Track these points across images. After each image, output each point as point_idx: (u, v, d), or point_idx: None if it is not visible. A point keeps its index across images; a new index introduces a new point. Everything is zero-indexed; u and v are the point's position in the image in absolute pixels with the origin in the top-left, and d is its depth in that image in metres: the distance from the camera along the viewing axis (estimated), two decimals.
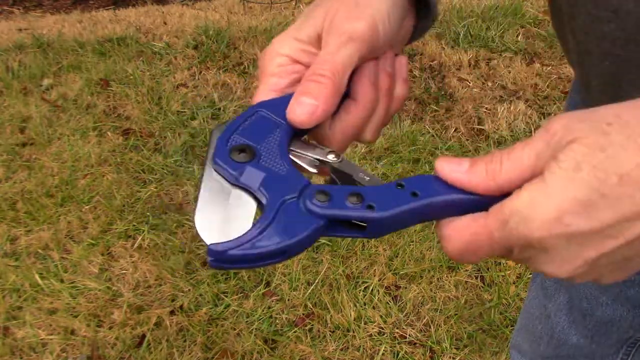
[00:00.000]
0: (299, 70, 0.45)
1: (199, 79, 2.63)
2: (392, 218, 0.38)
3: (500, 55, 2.77)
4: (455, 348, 1.59)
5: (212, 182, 0.41)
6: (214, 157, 0.41)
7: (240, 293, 1.72)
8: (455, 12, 3.01)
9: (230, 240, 0.37)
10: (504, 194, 0.37)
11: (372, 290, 1.71)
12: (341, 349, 1.58)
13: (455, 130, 2.35)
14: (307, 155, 0.44)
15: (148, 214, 1.95)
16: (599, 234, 0.33)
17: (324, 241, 1.84)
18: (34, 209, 1.97)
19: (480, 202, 0.38)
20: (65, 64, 2.71)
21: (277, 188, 0.39)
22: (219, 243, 0.37)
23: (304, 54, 0.45)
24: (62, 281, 1.74)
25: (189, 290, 1.72)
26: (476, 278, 1.76)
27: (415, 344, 1.60)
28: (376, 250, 1.82)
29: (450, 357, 1.57)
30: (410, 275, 1.75)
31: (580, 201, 0.32)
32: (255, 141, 0.42)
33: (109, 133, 2.33)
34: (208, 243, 0.37)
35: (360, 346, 1.58)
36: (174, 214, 1.95)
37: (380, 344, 1.59)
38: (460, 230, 0.38)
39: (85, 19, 3.22)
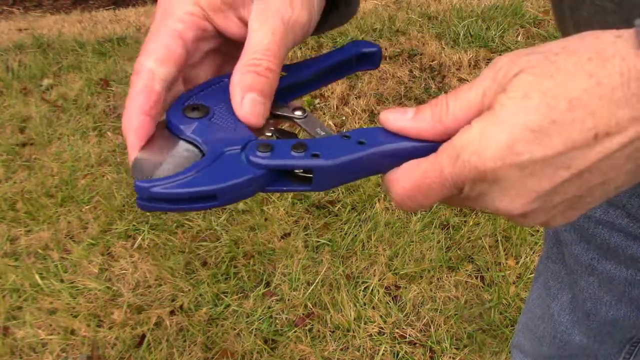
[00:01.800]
0: (206, 29, 0.42)
1: None
2: (338, 166, 0.37)
3: (500, 55, 2.77)
4: (455, 348, 1.59)
5: (160, 134, 0.40)
6: (167, 112, 0.41)
7: (240, 293, 1.72)
8: (455, 12, 3.01)
9: (158, 179, 0.36)
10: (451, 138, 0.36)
11: (372, 290, 1.71)
12: (341, 349, 1.58)
13: None
14: (275, 113, 0.43)
15: (148, 214, 1.95)
16: (552, 164, 0.33)
17: (323, 241, 1.84)
18: (34, 209, 1.97)
19: (430, 149, 0.37)
20: (65, 64, 2.71)
21: (220, 141, 0.38)
22: (146, 180, 0.36)
23: (221, 16, 0.42)
24: (62, 281, 1.74)
25: (189, 290, 1.71)
26: (476, 278, 1.76)
27: (415, 344, 1.60)
28: (376, 250, 1.82)
29: (450, 357, 1.57)
30: (410, 275, 1.75)
31: (532, 128, 0.32)
32: (211, 103, 0.41)
33: (109, 133, 2.33)
34: (137, 182, 0.36)
35: (360, 346, 1.58)
36: (174, 214, 1.95)
37: (380, 344, 1.59)
38: (409, 171, 0.36)
39: (85, 19, 3.22)
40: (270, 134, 0.42)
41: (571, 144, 0.32)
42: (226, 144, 0.38)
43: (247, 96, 0.40)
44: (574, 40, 0.34)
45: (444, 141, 0.36)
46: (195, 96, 0.42)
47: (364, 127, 0.41)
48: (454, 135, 0.35)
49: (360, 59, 0.48)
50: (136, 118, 0.39)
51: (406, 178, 0.36)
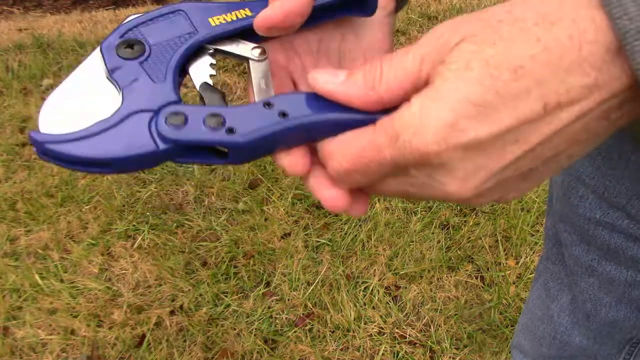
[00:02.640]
0: None
1: None
2: (255, 143, 0.34)
3: None
4: (455, 348, 1.59)
5: (87, 70, 0.36)
6: (101, 43, 0.37)
7: (240, 293, 1.72)
8: (455, 12, 3.01)
9: (56, 134, 0.33)
10: (386, 109, 0.33)
11: (372, 290, 1.71)
12: (341, 349, 1.58)
13: None
14: (230, 52, 0.39)
15: (148, 214, 1.95)
16: (500, 140, 0.29)
17: (323, 241, 1.84)
18: (34, 209, 1.97)
19: (361, 122, 0.34)
20: (65, 64, 2.71)
21: (138, 95, 0.35)
22: (41, 133, 0.33)
23: None
24: (62, 281, 1.74)
25: (189, 290, 1.72)
26: (476, 278, 1.76)
27: (415, 344, 1.60)
28: (376, 250, 1.82)
29: (450, 357, 1.57)
30: (410, 275, 1.75)
31: (474, 102, 0.29)
32: (153, 41, 0.37)
33: None
34: (39, 130, 0.34)
35: (360, 346, 1.58)
36: (174, 214, 1.95)
37: (380, 344, 1.59)
38: (345, 146, 0.33)
39: (85, 19, 3.22)
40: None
41: (519, 117, 0.29)
42: (142, 101, 0.35)
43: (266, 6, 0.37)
44: (518, 3, 0.31)
45: (377, 112, 0.33)
46: (143, 25, 0.37)
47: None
48: (389, 106, 0.33)
49: (348, 2, 0.41)
50: None
51: (342, 154, 0.33)
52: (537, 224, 1.91)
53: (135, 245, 1.85)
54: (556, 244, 0.77)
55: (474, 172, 0.31)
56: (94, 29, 3.06)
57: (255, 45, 0.39)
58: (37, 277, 1.74)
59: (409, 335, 1.62)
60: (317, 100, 0.35)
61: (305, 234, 1.87)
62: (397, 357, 1.57)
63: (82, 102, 0.35)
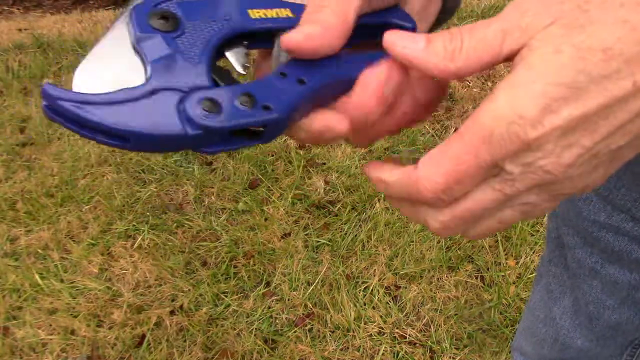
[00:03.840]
0: None
1: None
2: (291, 115, 0.33)
3: None
4: (455, 348, 1.59)
5: (119, 35, 0.34)
6: (132, 10, 0.34)
7: (240, 293, 1.72)
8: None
9: (73, 92, 0.30)
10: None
11: (372, 290, 1.71)
12: (341, 349, 1.58)
13: (455, 130, 2.35)
14: (263, 47, 0.38)
15: (148, 214, 1.95)
16: (593, 117, 0.30)
17: (323, 241, 1.84)
18: (34, 209, 1.97)
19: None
20: (65, 64, 2.71)
21: (168, 72, 0.32)
22: (55, 87, 0.30)
23: None
24: (62, 281, 1.74)
25: (189, 290, 1.71)
26: (476, 278, 1.76)
27: (415, 344, 1.60)
28: (376, 250, 1.82)
29: (450, 357, 1.57)
30: (410, 275, 1.75)
31: (566, 84, 0.29)
32: (188, 16, 0.34)
33: None
34: (46, 85, 0.30)
35: (360, 346, 1.58)
36: (174, 214, 1.95)
37: (380, 344, 1.59)
38: (435, 165, 0.32)
39: (85, 19, 3.22)
40: (241, 69, 0.36)
41: (610, 96, 0.29)
42: (172, 79, 0.32)
43: (296, 28, 0.35)
44: None
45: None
46: (173, 1, 0.35)
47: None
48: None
49: (388, 29, 0.41)
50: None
51: (435, 174, 0.32)
52: (537, 224, 1.91)
53: (135, 245, 1.85)
54: (559, 246, 0.76)
55: (569, 147, 0.31)
56: (94, 29, 3.06)
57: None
58: (37, 277, 1.74)
59: (409, 335, 1.62)
60: (322, 62, 0.34)
61: (305, 234, 1.87)
62: (397, 357, 1.57)
63: (106, 68, 0.33)
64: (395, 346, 1.59)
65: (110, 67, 0.33)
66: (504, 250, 1.83)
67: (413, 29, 0.40)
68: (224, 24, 0.35)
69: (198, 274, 1.76)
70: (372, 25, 0.40)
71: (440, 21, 0.46)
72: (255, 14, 0.37)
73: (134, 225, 1.91)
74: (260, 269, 1.78)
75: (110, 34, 0.34)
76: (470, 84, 2.59)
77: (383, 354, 1.57)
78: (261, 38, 0.37)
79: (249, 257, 1.82)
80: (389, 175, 0.35)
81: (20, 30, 3.10)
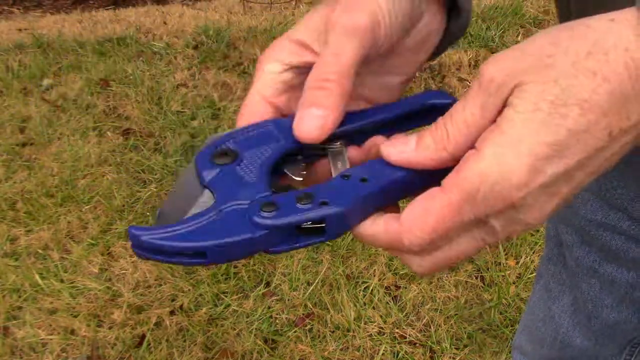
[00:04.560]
0: (289, 78, 0.41)
1: (198, 79, 2.63)
2: (350, 209, 0.35)
3: None
4: (455, 348, 1.59)
5: (187, 181, 0.39)
6: (196, 155, 0.39)
7: (240, 293, 1.72)
8: None
9: (153, 228, 0.34)
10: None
11: (372, 290, 1.71)
12: (341, 349, 1.58)
13: None
14: (317, 154, 0.41)
15: (148, 214, 1.95)
16: (573, 171, 0.31)
17: None
18: (34, 209, 1.97)
19: (434, 171, 0.35)
20: (65, 64, 2.71)
21: (232, 193, 0.36)
22: (140, 228, 0.34)
23: (299, 57, 0.41)
24: (62, 281, 1.74)
25: (189, 290, 1.72)
26: (476, 278, 1.76)
27: (415, 344, 1.60)
28: (376, 250, 1.82)
29: (450, 357, 1.57)
30: (410, 275, 1.75)
31: (549, 142, 0.30)
32: (243, 149, 0.39)
33: (108, 133, 2.33)
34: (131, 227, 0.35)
35: (360, 346, 1.58)
36: None
37: (380, 344, 1.59)
38: (420, 218, 0.33)
39: (85, 19, 3.22)
40: (298, 177, 0.40)
41: (589, 149, 0.31)
42: (235, 197, 0.36)
43: (304, 111, 0.38)
44: (563, 34, 0.31)
45: (448, 167, 0.34)
46: (233, 138, 0.40)
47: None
48: (460, 158, 0.33)
49: (431, 110, 0.43)
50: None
51: (419, 228, 0.33)
52: None
53: None
54: (557, 245, 0.77)
55: (550, 200, 0.32)
56: (94, 29, 3.06)
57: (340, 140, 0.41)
58: (37, 277, 1.74)
59: (409, 335, 1.62)
60: (386, 161, 0.37)
61: None
62: (397, 357, 1.57)
63: (186, 208, 0.37)
64: (395, 346, 1.59)
65: (186, 204, 0.37)
66: (504, 250, 1.83)
67: (453, 103, 0.41)
68: (276, 147, 0.40)
69: (198, 274, 1.76)
70: (414, 112, 0.43)
71: (446, 45, 0.47)
72: None
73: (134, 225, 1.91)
74: (260, 269, 1.78)
75: (180, 180, 0.39)
76: (471, 84, 2.59)
77: (383, 354, 1.57)
78: (314, 149, 0.41)
79: (249, 257, 1.82)
80: (370, 228, 0.36)
81: (20, 30, 3.10)
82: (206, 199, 0.37)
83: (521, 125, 0.31)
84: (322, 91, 0.38)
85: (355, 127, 0.42)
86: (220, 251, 0.34)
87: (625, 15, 0.31)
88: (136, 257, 1.81)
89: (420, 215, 0.33)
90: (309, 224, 0.35)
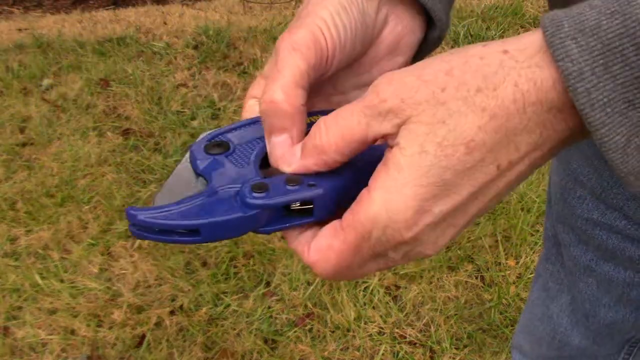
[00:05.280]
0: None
1: (199, 79, 2.63)
2: (336, 191, 0.37)
3: None
4: (455, 348, 1.59)
5: (182, 170, 0.41)
6: (190, 146, 0.42)
7: (240, 293, 1.72)
8: (455, 12, 3.01)
9: (150, 208, 0.36)
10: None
11: (372, 290, 1.71)
12: (341, 349, 1.58)
13: None
14: None
15: None
16: (462, 206, 0.33)
17: None
18: (34, 209, 1.97)
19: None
20: (65, 64, 2.72)
21: (224, 177, 0.38)
22: (138, 208, 0.36)
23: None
24: (62, 281, 1.74)
25: (189, 290, 1.72)
26: (476, 278, 1.76)
27: (415, 344, 1.60)
28: None
29: (450, 357, 1.57)
30: (410, 275, 1.75)
31: (435, 184, 0.31)
32: (236, 141, 0.41)
33: (108, 133, 2.33)
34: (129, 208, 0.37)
35: (360, 346, 1.58)
36: None
37: (380, 344, 1.59)
38: (323, 255, 0.35)
39: (85, 19, 3.22)
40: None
41: (476, 185, 0.32)
42: (227, 181, 0.38)
43: (269, 141, 0.39)
44: (457, 63, 0.32)
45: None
46: (228, 132, 0.42)
47: None
48: (348, 158, 0.35)
49: None
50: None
51: (324, 263, 0.35)
52: (537, 224, 1.91)
53: (135, 245, 1.85)
54: (555, 245, 0.77)
55: (444, 234, 0.34)
56: (94, 29, 3.06)
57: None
58: (37, 277, 1.74)
59: (409, 335, 1.62)
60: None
61: None
62: (397, 357, 1.57)
63: (177, 192, 0.39)
64: (395, 346, 1.59)
65: (181, 190, 0.39)
66: (504, 250, 1.83)
67: None
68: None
69: (198, 274, 1.76)
70: None
71: (425, 51, 0.47)
72: None
73: None
74: (260, 269, 1.78)
75: (176, 169, 0.41)
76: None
77: (383, 354, 1.57)
78: None
79: (249, 257, 1.82)
80: (296, 246, 0.38)
81: (20, 30, 3.10)
82: (200, 185, 0.39)
83: (407, 168, 0.31)
84: (274, 117, 0.38)
85: None
86: (213, 229, 0.36)
87: (524, 43, 0.31)
88: (136, 258, 1.81)
89: (325, 250, 0.35)
90: (298, 205, 0.37)
